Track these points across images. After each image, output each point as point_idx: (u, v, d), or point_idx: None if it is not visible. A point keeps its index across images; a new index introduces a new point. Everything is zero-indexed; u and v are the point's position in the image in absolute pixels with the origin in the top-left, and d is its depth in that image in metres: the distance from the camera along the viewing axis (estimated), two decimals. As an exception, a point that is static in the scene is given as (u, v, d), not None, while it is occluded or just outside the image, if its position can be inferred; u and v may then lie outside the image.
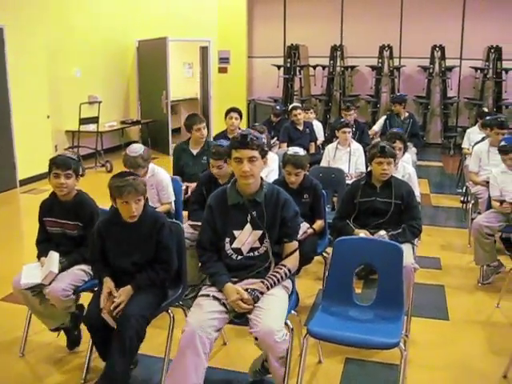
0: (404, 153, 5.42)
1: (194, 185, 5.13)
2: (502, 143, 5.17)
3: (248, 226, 3.23)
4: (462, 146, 8.05)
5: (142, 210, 3.36)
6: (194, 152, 5.77)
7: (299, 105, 8.39)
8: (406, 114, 8.50)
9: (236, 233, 3.23)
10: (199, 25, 12.55)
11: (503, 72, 11.83)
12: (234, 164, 3.16)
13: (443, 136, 12.25)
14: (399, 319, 3.21)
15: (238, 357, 3.84)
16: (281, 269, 3.22)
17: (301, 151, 4.47)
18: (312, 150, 7.59)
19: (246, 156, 3.10)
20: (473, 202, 6.22)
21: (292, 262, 3.28)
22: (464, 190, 7.33)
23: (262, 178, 3.30)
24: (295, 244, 3.30)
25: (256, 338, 2.96)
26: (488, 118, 7.01)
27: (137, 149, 4.58)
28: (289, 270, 3.24)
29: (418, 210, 4.31)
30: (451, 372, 3.71)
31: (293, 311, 3.38)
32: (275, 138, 8.02)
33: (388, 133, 5.67)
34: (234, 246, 3.24)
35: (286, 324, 3.15)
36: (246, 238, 3.23)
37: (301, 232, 4.13)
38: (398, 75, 12.61)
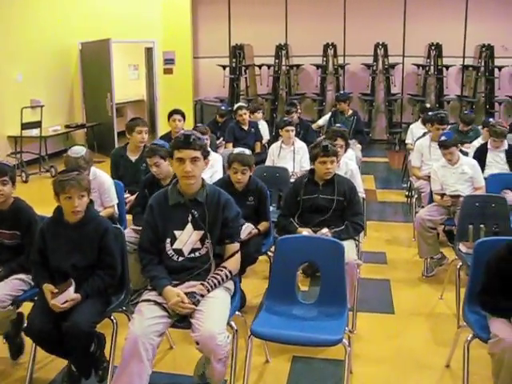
0: (346, 150, 5.46)
1: (133, 197, 5.05)
2: (442, 138, 5.28)
3: (189, 226, 3.21)
4: (406, 142, 8.19)
5: (85, 209, 3.31)
6: (133, 158, 5.60)
7: (244, 105, 8.38)
8: (350, 112, 8.58)
9: (177, 233, 3.21)
10: (143, 26, 12.40)
11: (444, 69, 12.10)
12: (176, 164, 3.15)
13: (388, 132, 12.44)
14: (343, 315, 3.24)
15: (184, 360, 3.79)
16: (222, 271, 3.20)
17: (247, 151, 4.47)
18: (257, 150, 7.60)
19: (188, 156, 3.09)
20: (416, 196, 6.32)
21: (233, 263, 3.27)
22: (408, 185, 7.45)
23: (203, 179, 3.29)
24: (237, 245, 3.30)
25: (197, 343, 2.93)
26: (429, 113, 7.13)
27: (78, 150, 4.50)
28: (230, 272, 3.23)
29: (360, 207, 4.36)
30: (396, 364, 3.76)
31: (237, 312, 3.37)
32: (221, 139, 8.00)
33: (330, 130, 5.71)
34: (174, 246, 3.21)
35: (230, 325, 3.15)
36: (187, 239, 3.20)
37: (245, 232, 4.13)
38: (343, 73, 12.76)
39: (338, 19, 12.70)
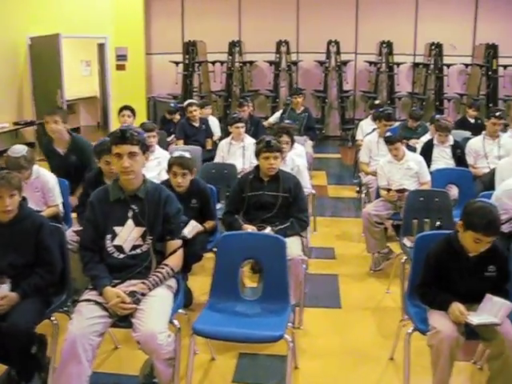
0: (292, 146, 5.46)
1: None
2: (387, 134, 5.38)
3: (130, 222, 3.18)
4: (356, 138, 8.27)
5: (17, 208, 3.25)
6: (61, 151, 5.36)
7: (195, 101, 8.32)
8: (302, 108, 8.62)
9: (117, 229, 3.17)
10: (95, 21, 12.17)
11: (395, 66, 12.27)
12: (115, 160, 3.13)
13: (341, 128, 12.55)
14: (285, 311, 3.25)
15: (129, 360, 3.75)
16: (163, 268, 3.17)
17: (187, 154, 4.40)
18: (208, 146, 7.56)
19: (125, 151, 3.07)
20: (365, 191, 6.38)
21: (175, 260, 3.25)
22: (359, 181, 7.52)
23: (144, 175, 3.26)
24: (178, 242, 3.28)
25: (138, 342, 2.90)
26: (378, 110, 7.22)
27: (19, 149, 4.39)
28: (172, 269, 3.20)
29: (305, 203, 4.38)
30: (342, 358, 3.80)
31: (181, 310, 3.35)
32: (172, 136, 7.94)
33: (275, 127, 5.71)
34: (115, 243, 3.18)
35: (172, 324, 3.12)
36: (127, 235, 3.17)
37: (189, 229, 4.10)
38: (296, 70, 12.81)
39: (291, 16, 12.74)
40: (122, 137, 3.07)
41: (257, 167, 4.35)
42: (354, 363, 3.74)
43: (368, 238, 5.15)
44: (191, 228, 4.10)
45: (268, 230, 4.04)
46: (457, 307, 2.94)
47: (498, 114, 6.31)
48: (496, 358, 2.91)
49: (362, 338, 4.06)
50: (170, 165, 4.32)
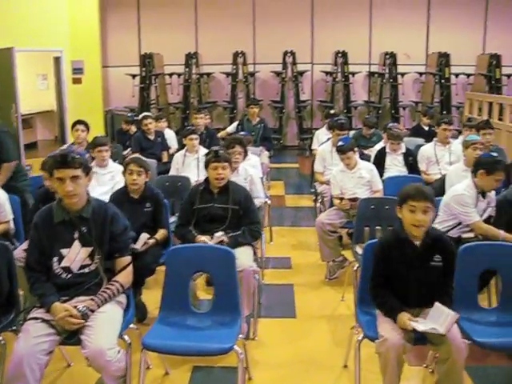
0: (245, 157, 5.47)
1: None
2: (340, 143, 5.42)
3: (76, 243, 3.14)
4: (312, 147, 8.33)
5: None
6: None
7: (149, 114, 8.27)
8: (258, 119, 8.65)
9: (64, 251, 3.13)
10: (50, 34, 12.03)
11: (350, 75, 12.43)
12: (57, 184, 3.09)
13: (299, 138, 12.64)
14: (236, 323, 3.24)
15: (82, 377, 3.70)
16: (113, 285, 3.15)
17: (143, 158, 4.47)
18: (165, 159, 7.53)
19: (67, 176, 3.04)
20: (320, 200, 6.43)
21: (124, 277, 3.23)
22: (315, 190, 7.56)
23: (88, 194, 3.23)
24: (127, 259, 3.26)
25: (87, 359, 2.87)
26: (333, 119, 7.28)
27: None
28: (121, 286, 3.18)
29: (256, 215, 4.38)
30: (296, 367, 3.81)
31: (132, 325, 3.32)
32: (129, 149, 7.88)
33: (227, 138, 5.71)
34: (62, 264, 3.14)
35: (123, 339, 3.10)
36: (75, 256, 3.13)
37: (141, 243, 4.09)
38: (254, 81, 12.88)
39: (248, 27, 12.85)
40: (63, 161, 3.03)
41: (207, 179, 4.35)
42: (308, 372, 3.76)
43: (322, 246, 5.19)
44: (142, 242, 4.08)
45: (219, 235, 4.04)
46: (404, 317, 2.98)
47: (447, 120, 6.45)
48: (443, 362, 2.97)
49: (316, 347, 4.08)
50: (127, 164, 4.40)
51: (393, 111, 12.48)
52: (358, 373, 3.24)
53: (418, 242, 3.13)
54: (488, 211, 4.39)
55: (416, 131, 8.86)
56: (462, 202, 4.28)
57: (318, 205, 6.45)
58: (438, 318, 2.97)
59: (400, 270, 3.12)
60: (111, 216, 3.20)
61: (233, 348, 3.00)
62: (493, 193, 4.47)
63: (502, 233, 4.19)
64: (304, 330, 4.35)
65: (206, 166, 4.29)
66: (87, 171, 3.13)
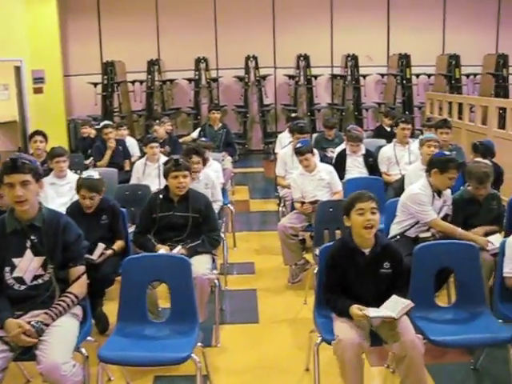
0: (205, 164, 5.46)
1: None
2: (298, 145, 5.43)
3: (28, 253, 3.09)
4: (275, 151, 8.34)
5: None
6: None
7: (109, 123, 8.20)
8: (220, 125, 8.65)
9: (16, 261, 3.08)
10: (9, 43, 11.85)
11: (313, 78, 12.50)
12: (7, 190, 3.04)
13: (264, 142, 12.67)
14: (193, 331, 3.23)
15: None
16: (67, 297, 3.10)
17: (96, 175, 4.37)
18: (127, 168, 7.46)
19: (17, 180, 2.99)
20: (283, 204, 6.44)
21: (79, 287, 3.18)
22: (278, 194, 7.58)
23: (40, 203, 3.19)
24: (81, 268, 3.21)
25: (42, 374, 2.82)
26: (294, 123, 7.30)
27: None
28: (76, 297, 3.13)
29: (216, 222, 4.38)
30: (258, 373, 3.80)
31: (89, 337, 3.28)
32: (91, 158, 7.80)
33: (185, 148, 5.67)
34: (14, 274, 3.08)
35: (80, 352, 3.06)
36: (27, 266, 3.08)
37: (98, 253, 4.05)
38: (217, 86, 12.88)
39: (210, 33, 12.83)
40: (13, 166, 2.99)
41: (166, 187, 4.32)
42: (270, 377, 3.76)
43: (284, 250, 5.19)
44: (99, 252, 4.04)
45: (178, 249, 4.01)
46: (355, 307, 3.01)
47: (405, 119, 6.53)
48: (401, 360, 2.98)
49: (278, 351, 4.08)
50: (79, 186, 4.30)
51: (356, 113, 12.60)
52: (317, 377, 3.25)
53: (367, 251, 3.16)
54: (444, 210, 4.44)
55: (378, 132, 8.95)
56: (418, 201, 4.32)
57: (281, 209, 6.46)
58: (392, 306, 3.01)
59: (351, 278, 3.16)
60: (63, 225, 3.15)
61: (190, 357, 2.98)
62: (448, 191, 4.52)
63: (459, 230, 4.25)
64: (266, 335, 4.35)
65: (166, 174, 4.25)
66: (38, 177, 3.07)
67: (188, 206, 4.21)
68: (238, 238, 6.55)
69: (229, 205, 6.34)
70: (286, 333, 4.36)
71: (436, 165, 4.31)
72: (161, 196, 4.30)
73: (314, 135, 8.82)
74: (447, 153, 4.70)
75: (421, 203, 4.31)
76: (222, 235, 5.32)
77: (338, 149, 6.97)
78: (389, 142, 7.40)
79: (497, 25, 13.18)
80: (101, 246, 4.11)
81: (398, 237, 4.34)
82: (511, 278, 3.48)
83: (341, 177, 6.03)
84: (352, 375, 2.95)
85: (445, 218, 4.42)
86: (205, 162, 5.42)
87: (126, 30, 12.65)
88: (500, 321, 3.46)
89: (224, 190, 6.42)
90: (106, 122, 8.35)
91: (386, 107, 12.21)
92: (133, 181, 6.27)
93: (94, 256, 4.02)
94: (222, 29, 12.81)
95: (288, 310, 4.75)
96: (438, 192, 4.39)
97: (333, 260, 3.20)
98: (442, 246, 3.66)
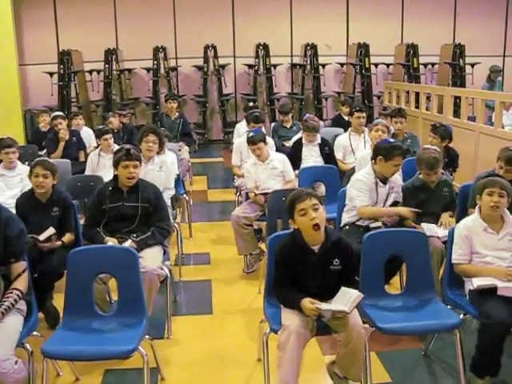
0: (161, 147, 5.38)
1: None
2: (250, 134, 5.40)
3: None
4: (233, 141, 8.29)
5: None
6: None
7: (60, 113, 8.00)
8: (177, 115, 8.57)
9: None
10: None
11: (272, 68, 12.47)
12: None
13: (224, 132, 12.60)
14: (141, 324, 3.19)
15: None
16: (12, 293, 3.03)
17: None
18: (82, 158, 7.32)
19: None
20: (239, 194, 6.41)
21: (22, 282, 3.12)
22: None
23: None
24: (23, 263, 3.15)
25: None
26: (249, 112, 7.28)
27: None
28: (21, 292, 3.07)
29: (166, 211, 4.31)
30: (210, 365, 3.78)
31: (35, 332, 3.21)
32: (45, 150, 7.64)
33: (143, 127, 5.57)
34: None
35: (24, 348, 2.99)
36: None
37: (45, 235, 4.01)
38: (176, 75, 12.75)
39: (168, 22, 12.66)
40: None
41: (115, 177, 4.24)
42: (222, 368, 3.74)
43: (238, 240, 5.17)
44: (47, 234, 3.98)
45: (128, 243, 3.94)
46: (307, 301, 3.00)
47: (359, 108, 6.56)
48: (345, 346, 3.01)
49: (231, 342, 4.06)
50: (32, 167, 4.26)
51: (315, 102, 12.61)
52: (266, 366, 3.24)
53: (316, 248, 3.14)
54: (392, 196, 4.45)
55: (337, 121, 8.98)
56: (357, 187, 4.35)
57: (237, 198, 6.42)
58: (343, 299, 3.01)
59: (300, 274, 3.14)
60: (5, 219, 3.08)
61: (136, 349, 2.94)
62: (397, 177, 4.54)
63: (382, 209, 4.35)
64: (220, 326, 4.34)
65: (116, 164, 4.17)
66: None
67: (138, 196, 4.14)
68: (195, 229, 6.51)
69: (184, 195, 6.29)
70: (239, 323, 4.34)
71: (381, 152, 4.33)
72: (110, 187, 4.22)
73: (273, 124, 8.81)
74: (392, 140, 4.73)
75: (358, 189, 4.34)
76: (176, 225, 5.30)
77: (295, 138, 6.98)
78: (347, 130, 7.43)
79: (454, 15, 13.32)
80: (51, 229, 4.03)
81: (348, 227, 4.34)
82: (459, 264, 3.52)
83: (296, 166, 6.04)
84: (289, 364, 2.92)
85: (395, 205, 4.44)
86: (161, 145, 5.34)
87: (82, 19, 12.36)
88: (449, 307, 3.52)
89: (179, 180, 6.37)
90: (56, 113, 8.16)
91: (346, 96, 12.26)
92: (87, 172, 6.16)
93: (41, 237, 3.94)
94: (181, 17, 12.66)
95: (242, 300, 4.73)
96: (384, 179, 4.40)
97: (282, 257, 3.17)
98: (391, 233, 3.69)
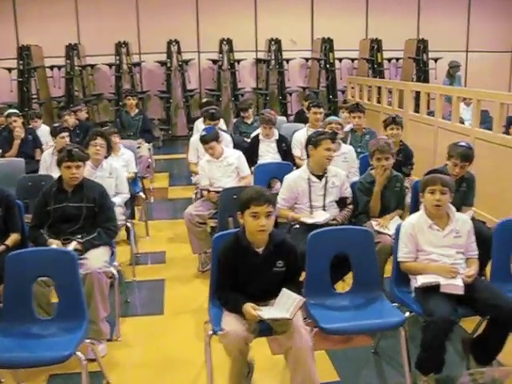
0: (109, 151, 5.28)
1: None
2: (202, 134, 5.34)
3: None
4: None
5: None
6: None
7: (15, 111, 7.81)
8: (136, 111, 8.46)
9: None
10: None
11: (236, 63, 12.40)
12: None
13: (188, 128, 12.49)
14: (80, 328, 3.12)
15: None
16: None
17: None
18: (38, 157, 7.17)
19: None
20: (196, 191, 6.34)
21: None
22: (195, 181, 7.48)
23: None
24: None
25: None
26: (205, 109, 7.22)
27: None
28: None
29: (112, 211, 4.22)
30: (156, 366, 3.74)
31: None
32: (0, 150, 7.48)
33: (91, 131, 5.46)
34: None
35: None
36: None
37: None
38: (140, 71, 12.60)
39: (131, 17, 12.50)
40: None
41: (60, 178, 4.14)
42: (169, 369, 3.70)
43: (192, 238, 5.11)
44: None
45: (73, 245, 3.85)
46: (248, 306, 2.96)
47: (316, 103, 6.55)
48: (288, 352, 2.97)
49: (180, 343, 4.02)
50: None
51: (280, 97, 12.58)
52: (209, 368, 3.20)
53: (260, 249, 3.10)
54: (333, 193, 4.43)
55: (299, 116, 8.98)
56: (284, 185, 4.41)
57: (195, 196, 6.35)
58: (285, 304, 2.97)
59: (243, 276, 3.10)
60: None
61: (73, 354, 2.88)
62: (340, 173, 4.53)
63: (290, 214, 4.35)
64: (170, 327, 4.28)
65: (59, 164, 4.08)
66: None
67: (82, 197, 4.06)
68: (153, 227, 6.44)
69: (140, 193, 6.21)
70: (190, 324, 4.28)
71: (310, 142, 4.36)
72: (54, 187, 4.12)
73: (234, 120, 8.77)
74: (320, 129, 4.78)
75: (284, 188, 4.39)
76: (129, 224, 5.23)
77: (254, 134, 6.94)
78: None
79: (418, 10, 13.39)
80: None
81: (297, 226, 4.32)
82: (405, 262, 3.51)
83: (254, 162, 6.01)
84: (234, 367, 2.92)
85: (342, 202, 4.43)
86: (109, 150, 5.24)
87: (43, 13, 12.12)
88: (395, 304, 3.51)
89: (136, 178, 6.30)
90: (10, 110, 7.99)
91: (310, 91, 12.26)
92: (41, 171, 6.03)
93: None
94: (144, 12, 12.50)
95: (194, 300, 4.67)
96: (319, 175, 4.39)
97: (225, 258, 3.12)
98: (336, 231, 3.66)
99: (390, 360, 3.77)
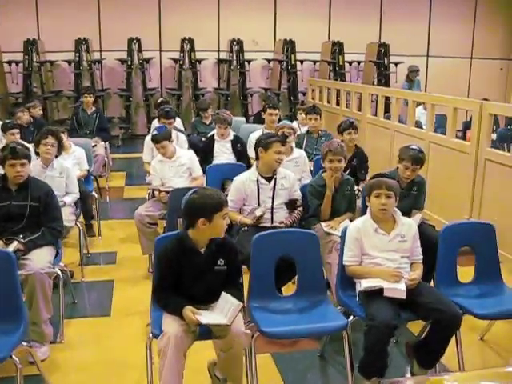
0: (59, 149, 5.17)
1: None
2: (154, 133, 5.29)
3: None
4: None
5: None
6: None
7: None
8: (93, 109, 8.35)
9: None
10: None
11: (197, 62, 12.34)
12: None
13: (148, 127, 12.36)
14: (17, 331, 3.05)
15: None
16: None
17: None
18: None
19: None
20: (149, 191, 6.26)
21: None
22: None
23: None
24: None
25: None
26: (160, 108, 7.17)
27: None
28: None
29: (58, 211, 4.13)
30: (99, 369, 3.67)
31: None
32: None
33: (42, 130, 5.33)
34: None
35: None
36: None
37: None
38: (100, 69, 12.44)
39: (93, 13, 12.32)
40: None
41: (4, 176, 4.05)
42: (112, 372, 3.64)
43: (142, 239, 5.05)
44: None
45: (14, 245, 3.76)
46: (188, 310, 2.93)
47: (272, 104, 6.55)
48: (225, 351, 2.99)
49: (125, 345, 3.95)
50: None
51: (241, 98, 12.56)
52: (150, 371, 3.17)
53: (202, 249, 3.10)
54: (283, 195, 4.44)
55: (259, 117, 8.96)
56: (233, 187, 4.42)
57: (148, 196, 6.28)
58: (223, 309, 2.95)
59: (186, 277, 3.07)
60: None
61: (8, 358, 2.81)
62: (290, 175, 4.53)
63: (239, 217, 4.35)
64: (116, 329, 4.22)
65: (3, 162, 3.99)
66: None
67: (27, 195, 3.97)
68: (105, 227, 6.35)
69: (93, 192, 6.12)
70: (136, 325, 4.21)
71: (260, 145, 4.36)
72: (-2, 186, 4.03)
73: (192, 119, 8.73)
74: (271, 132, 4.83)
75: (233, 188, 4.40)
76: (79, 224, 5.15)
77: (211, 134, 6.91)
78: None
79: (380, 15, 13.52)
80: None
81: (246, 227, 4.30)
82: (350, 265, 3.52)
83: (209, 162, 5.99)
84: (169, 371, 2.85)
85: (292, 204, 4.43)
86: (60, 149, 5.14)
87: (1, 8, 11.88)
88: (340, 308, 3.51)
89: (89, 177, 6.21)
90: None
91: (271, 92, 12.27)
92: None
93: None
94: (106, 9, 12.35)
95: (142, 302, 4.52)
96: (268, 177, 4.39)
97: (168, 259, 3.08)
98: (281, 234, 3.66)
99: (335, 364, 3.78)
